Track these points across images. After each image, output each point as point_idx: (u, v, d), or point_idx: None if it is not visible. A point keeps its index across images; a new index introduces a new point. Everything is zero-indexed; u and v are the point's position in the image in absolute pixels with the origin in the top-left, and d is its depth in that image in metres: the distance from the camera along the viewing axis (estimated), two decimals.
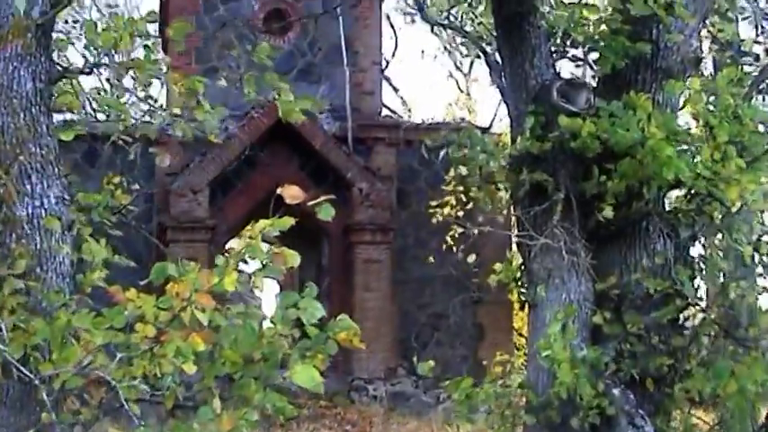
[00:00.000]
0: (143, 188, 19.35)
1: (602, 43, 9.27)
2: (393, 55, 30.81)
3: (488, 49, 10.48)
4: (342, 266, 20.33)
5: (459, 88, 30.20)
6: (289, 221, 5.88)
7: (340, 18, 20.30)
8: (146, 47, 7.45)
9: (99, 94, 8.94)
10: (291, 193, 6.07)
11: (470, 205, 18.38)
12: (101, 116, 9.40)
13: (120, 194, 8.12)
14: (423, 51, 35.63)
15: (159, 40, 23.04)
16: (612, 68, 9.37)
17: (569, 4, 9.39)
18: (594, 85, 9.60)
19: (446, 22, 11.00)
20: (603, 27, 9.49)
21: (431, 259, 19.64)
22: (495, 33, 10.03)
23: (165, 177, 19.46)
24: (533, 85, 9.30)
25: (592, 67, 9.60)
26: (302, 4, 20.52)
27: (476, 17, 10.63)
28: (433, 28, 31.34)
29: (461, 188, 18.14)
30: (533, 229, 9.15)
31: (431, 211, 18.75)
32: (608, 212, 8.86)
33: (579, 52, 9.54)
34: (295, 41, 20.64)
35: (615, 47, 9.25)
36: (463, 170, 15.70)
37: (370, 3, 20.97)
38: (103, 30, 7.31)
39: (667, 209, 9.75)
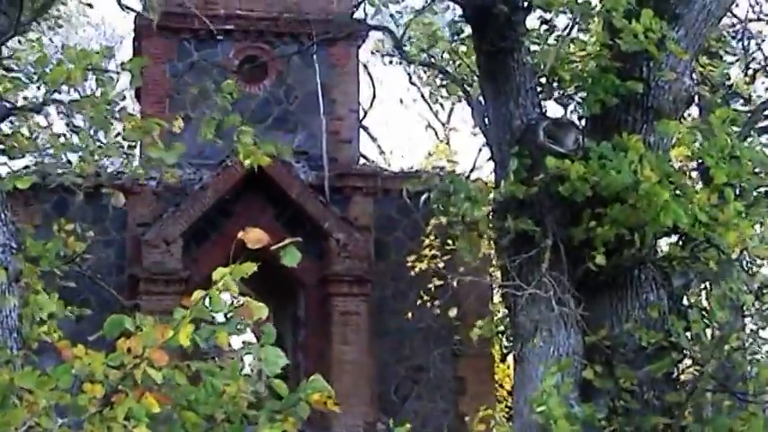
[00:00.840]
0: (115, 239, 18.73)
1: (590, 81, 8.70)
2: (371, 105, 30.29)
3: (470, 90, 9.86)
4: (319, 319, 19.62)
5: (438, 138, 29.68)
6: (250, 267, 5.24)
7: (316, 65, 19.74)
8: (98, 80, 6.80)
9: (59, 136, 8.27)
10: (254, 237, 5.45)
11: (450, 256, 17.90)
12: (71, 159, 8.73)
13: (74, 242, 7.44)
14: (401, 100, 35.02)
15: (133, 90, 22.51)
16: (601, 107, 8.81)
17: (556, 38, 8.81)
18: (582, 125, 9.04)
19: (425, 60, 10.41)
20: (592, 64, 8.95)
21: (409, 315, 19.05)
22: (476, 72, 9.44)
23: (138, 228, 18.77)
24: (518, 125, 8.71)
25: (580, 107, 9.02)
26: (278, 51, 19.96)
27: (455, 55, 10.03)
28: (411, 77, 30.97)
29: (441, 239, 17.65)
30: (519, 279, 8.53)
31: (410, 264, 18.19)
32: (600, 259, 8.24)
33: (566, 90, 8.94)
34: (270, 89, 20.05)
35: (604, 85, 8.69)
36: (443, 220, 15.08)
37: (346, 49, 20.42)
38: (55, 64, 6.66)
39: (659, 256, 9.18)
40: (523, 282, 8.39)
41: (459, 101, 10.64)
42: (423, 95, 31.00)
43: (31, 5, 7.22)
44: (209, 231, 19.03)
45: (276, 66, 19.94)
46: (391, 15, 9.66)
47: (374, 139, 30.40)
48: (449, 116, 29.74)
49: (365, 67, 29.46)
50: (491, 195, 8.80)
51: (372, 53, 26.21)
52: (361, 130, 25.28)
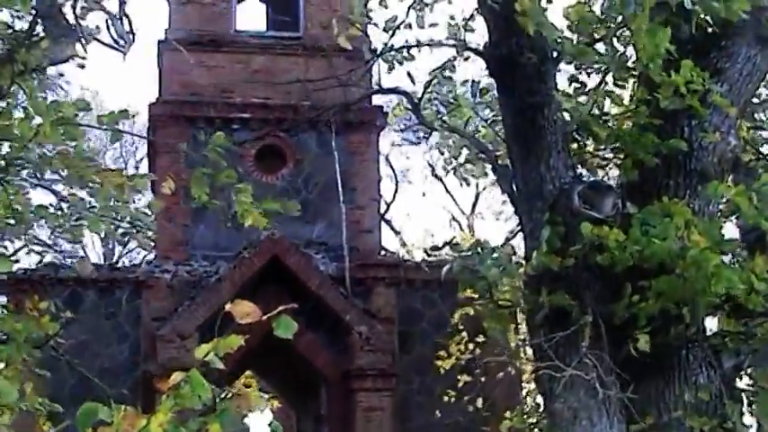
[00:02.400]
0: (129, 334, 17.80)
1: (628, 140, 7.76)
2: (393, 197, 29.55)
3: (497, 156, 8.95)
4: (341, 415, 18.50)
5: (462, 228, 28.77)
6: (235, 341, 4.39)
7: (335, 153, 18.93)
8: (73, 139, 5.91)
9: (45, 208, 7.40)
10: (242, 311, 4.62)
11: (479, 349, 16.92)
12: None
13: (47, 322, 6.49)
14: (423, 194, 34.25)
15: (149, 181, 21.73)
16: (640, 170, 7.87)
17: (588, 91, 7.91)
18: (619, 190, 8.08)
19: (445, 125, 9.54)
20: (628, 123, 8.03)
21: (437, 413, 17.99)
22: (502, 135, 8.54)
23: (152, 322, 17.82)
24: (550, 189, 7.76)
25: (616, 170, 8.08)
26: (296, 140, 19.18)
27: (477, 116, 9.16)
28: (434, 169, 30.17)
29: (468, 330, 16.69)
30: (556, 360, 7.50)
31: (438, 363, 17.26)
32: (644, 343, 7.21)
33: (601, 151, 8.00)
34: (288, 178, 19.21)
35: (644, 144, 7.75)
36: (468, 292, 13.92)
37: (366, 137, 19.62)
38: (20, 119, 5.77)
39: (709, 333, 8.16)
40: (560, 363, 7.36)
41: (485, 174, 9.73)
42: (445, 187, 30.21)
43: (12, 71, 6.46)
44: (225, 325, 18.04)
45: (293, 155, 19.16)
46: (409, 74, 8.85)
47: (396, 232, 29.51)
48: (474, 204, 28.82)
49: (387, 158, 28.87)
50: (521, 269, 7.81)
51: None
52: (383, 222, 24.46)
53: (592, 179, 7.83)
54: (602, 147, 8.05)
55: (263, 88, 18.81)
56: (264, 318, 4.62)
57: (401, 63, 8.59)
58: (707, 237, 7.23)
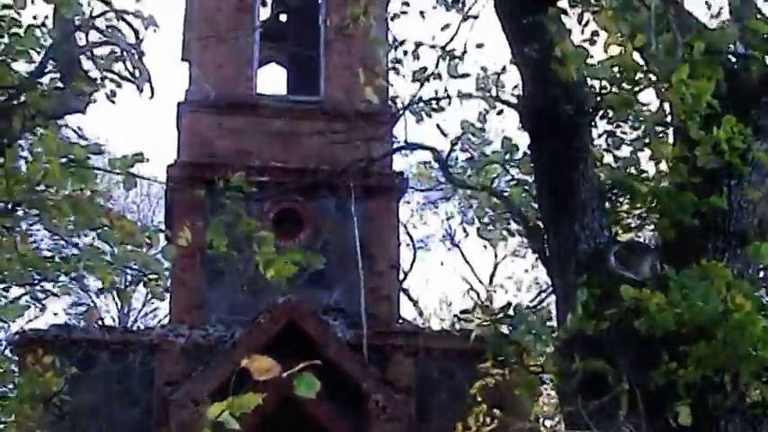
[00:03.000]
0: (141, 398, 17.33)
1: (666, 199, 7.38)
2: (411, 266, 29.13)
3: (527, 215, 8.55)
4: None
5: (480, 299, 28.28)
6: (253, 399, 4.02)
7: (354, 218, 18.55)
8: (77, 175, 5.56)
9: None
10: (260, 366, 4.24)
11: (496, 422, 16.40)
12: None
13: (51, 378, 6.10)
14: (442, 263, 33.79)
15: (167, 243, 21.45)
16: (676, 231, 7.47)
17: (627, 145, 7.53)
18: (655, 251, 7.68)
19: (472, 183, 9.16)
20: (666, 182, 7.66)
21: None
22: (532, 192, 8.16)
23: (165, 387, 17.34)
24: (585, 250, 7.36)
25: (653, 231, 7.68)
26: (315, 205, 18.82)
27: (507, 173, 8.77)
28: (453, 238, 29.77)
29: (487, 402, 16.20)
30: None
31: None
32: (685, 416, 6.76)
33: (637, 211, 7.61)
34: (306, 244, 18.80)
35: (682, 203, 7.36)
36: (490, 381, 13.45)
37: (385, 202, 19.25)
38: (30, 161, 5.45)
39: (750, 402, 7.70)
40: None
41: (510, 235, 9.31)
42: (463, 255, 29.77)
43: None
44: (239, 391, 17.56)
45: (312, 219, 18.80)
46: (438, 126, 8.50)
47: (414, 301, 29.08)
48: (492, 273, 28.35)
49: (405, 227, 28.50)
50: (554, 333, 7.39)
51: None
52: (401, 292, 24.03)
53: (628, 239, 7.42)
54: (639, 206, 7.65)
55: (282, 152, 18.53)
56: (285, 375, 4.26)
57: (430, 116, 8.24)
58: (751, 300, 6.82)
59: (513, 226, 9.56)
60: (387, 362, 18.70)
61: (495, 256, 28.65)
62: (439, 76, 8.17)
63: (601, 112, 7.18)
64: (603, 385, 7.06)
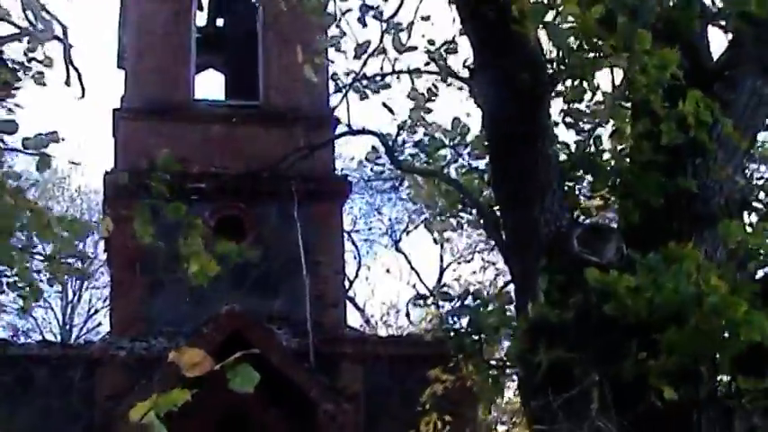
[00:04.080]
0: (82, 414, 16.50)
1: (630, 179, 6.81)
2: (356, 274, 28.51)
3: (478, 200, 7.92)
4: None
5: (429, 305, 27.64)
6: (180, 395, 3.46)
7: (298, 225, 17.86)
8: None
9: None
10: (189, 360, 3.68)
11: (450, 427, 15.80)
12: None
13: None
14: (388, 270, 33.05)
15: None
16: (641, 212, 6.91)
17: (584, 123, 6.94)
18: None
19: (422, 168, 8.53)
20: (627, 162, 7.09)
21: None
22: (487, 178, 7.56)
23: (107, 401, 16.51)
24: (545, 234, 6.75)
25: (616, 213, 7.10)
26: (256, 211, 18.12)
27: (458, 157, 8.14)
28: (398, 245, 29.19)
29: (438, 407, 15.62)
30: (557, 427, 6.45)
31: None
32: (669, 393, 6.17)
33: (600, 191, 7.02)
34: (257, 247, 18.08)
35: (647, 184, 6.80)
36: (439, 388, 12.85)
37: (330, 207, 18.61)
38: None
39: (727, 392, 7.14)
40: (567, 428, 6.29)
41: (462, 227, 8.68)
42: (409, 262, 29.18)
43: None
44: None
45: (254, 226, 18.09)
46: (384, 105, 7.85)
47: (360, 309, 28.44)
48: (439, 278, 27.75)
49: (349, 234, 27.84)
50: (514, 323, 6.78)
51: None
52: (347, 300, 23.37)
53: (591, 222, 6.84)
54: (600, 186, 7.07)
55: (221, 158, 17.82)
56: (218, 367, 3.69)
57: (377, 92, 7.62)
58: (726, 281, 6.26)
59: (465, 217, 8.96)
60: (335, 370, 18.05)
61: (442, 261, 28.06)
62: (384, 51, 7.57)
63: (560, 84, 6.57)
64: (570, 377, 6.46)
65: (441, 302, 7.31)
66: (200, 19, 19.63)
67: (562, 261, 6.61)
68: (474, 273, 26.79)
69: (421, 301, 9.68)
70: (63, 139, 6.66)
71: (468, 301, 6.92)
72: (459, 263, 27.59)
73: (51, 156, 6.84)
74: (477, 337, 6.76)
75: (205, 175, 17.76)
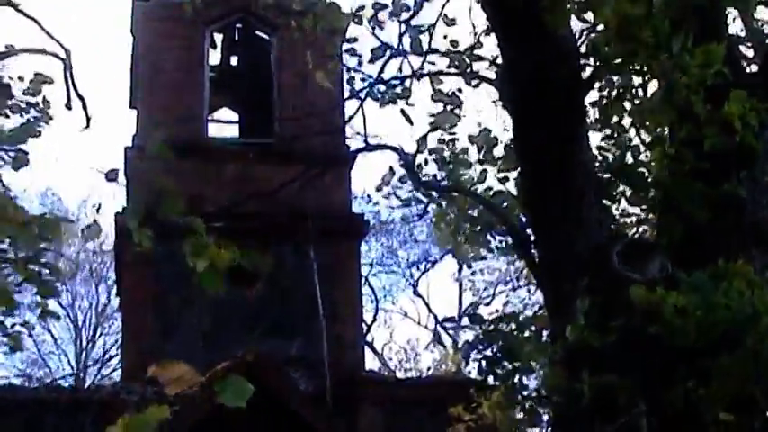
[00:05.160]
0: None
1: (672, 189, 6.14)
2: (374, 318, 27.83)
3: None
4: None
5: (447, 348, 26.90)
6: (160, 413, 2.92)
7: (314, 264, 17.21)
8: None
9: None
10: (170, 375, 3.11)
11: None
12: None
13: None
14: (405, 314, 32.30)
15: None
16: (685, 225, 6.24)
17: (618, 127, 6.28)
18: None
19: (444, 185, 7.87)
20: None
21: None
22: (516, 193, 6.90)
23: None
24: (582, 250, 6.08)
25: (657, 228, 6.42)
26: (272, 250, 17.45)
27: (484, 176, 7.47)
28: (416, 288, 28.47)
29: None
30: None
31: None
32: (726, 416, 5.48)
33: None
34: (264, 292, 17.44)
35: (690, 194, 6.14)
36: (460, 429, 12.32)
37: (346, 246, 17.94)
38: None
39: None
40: None
41: (491, 251, 8.00)
42: (428, 305, 28.44)
43: None
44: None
45: (269, 266, 17.44)
46: (403, 112, 7.21)
47: (377, 353, 27.68)
48: (459, 315, 26.85)
49: (366, 279, 27.15)
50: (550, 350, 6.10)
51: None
52: (365, 343, 22.70)
53: (631, 237, 6.17)
54: (641, 198, 6.40)
55: (236, 196, 17.22)
56: (205, 379, 3.07)
57: (394, 102, 7.00)
58: None
59: (492, 243, 8.30)
60: (353, 413, 17.33)
61: (461, 302, 27.30)
62: (404, 54, 6.95)
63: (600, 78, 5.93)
64: (615, 407, 5.77)
65: (470, 326, 6.60)
66: (214, 58, 19.14)
67: (602, 280, 5.93)
68: (497, 311, 26.00)
69: (448, 324, 8.96)
70: (39, 134, 6.13)
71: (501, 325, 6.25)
72: (479, 304, 26.82)
73: (27, 152, 6.32)
74: (510, 365, 6.07)
75: (220, 215, 17.16)
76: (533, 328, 6.26)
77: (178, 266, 16.03)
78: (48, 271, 6.51)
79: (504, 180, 8.13)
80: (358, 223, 18.46)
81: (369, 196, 24.88)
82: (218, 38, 19.41)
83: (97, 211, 6.11)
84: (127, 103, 19.51)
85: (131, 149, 17.28)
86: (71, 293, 29.35)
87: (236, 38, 19.61)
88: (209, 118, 18.68)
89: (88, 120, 10.54)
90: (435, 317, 28.85)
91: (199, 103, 17.90)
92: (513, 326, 6.22)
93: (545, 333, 6.34)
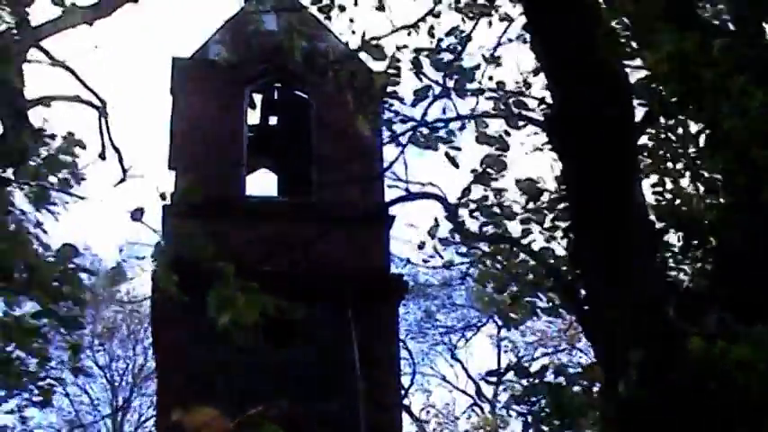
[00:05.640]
0: None
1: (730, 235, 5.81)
2: (411, 382, 27.33)
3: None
4: None
5: (484, 412, 26.34)
6: None
7: (352, 325, 16.89)
8: None
9: None
10: (198, 419, 2.94)
11: None
12: None
13: None
14: (444, 378, 31.72)
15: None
16: (745, 276, 5.88)
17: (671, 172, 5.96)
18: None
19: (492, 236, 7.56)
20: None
21: None
22: (564, 243, 6.60)
23: None
24: (636, 303, 5.74)
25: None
26: (309, 311, 17.13)
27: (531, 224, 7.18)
28: (454, 352, 28.00)
29: None
30: None
31: None
32: None
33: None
34: (301, 352, 17.10)
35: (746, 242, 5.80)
36: None
37: (386, 307, 17.58)
38: None
39: None
40: None
41: (537, 315, 7.65)
42: (466, 371, 27.95)
43: None
44: None
45: (308, 326, 17.12)
46: (447, 155, 6.94)
47: (416, 418, 27.14)
48: (495, 389, 26.25)
49: (404, 342, 26.72)
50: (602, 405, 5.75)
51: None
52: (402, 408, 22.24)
53: (686, 287, 5.84)
54: (695, 246, 6.07)
55: (274, 256, 16.98)
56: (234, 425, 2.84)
57: (435, 148, 6.65)
58: None
59: (537, 302, 7.96)
60: None
61: (499, 364, 26.73)
62: (448, 95, 6.68)
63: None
64: None
65: (517, 379, 6.25)
66: (254, 117, 19.07)
67: (657, 333, 5.59)
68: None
69: (492, 378, 8.55)
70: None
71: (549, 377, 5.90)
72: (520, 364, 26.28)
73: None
74: (559, 421, 5.72)
75: (257, 274, 16.89)
76: (584, 382, 5.90)
77: (214, 327, 15.77)
78: (71, 303, 6.33)
79: (550, 238, 7.84)
80: (397, 285, 18.14)
81: (408, 260, 24.58)
82: (258, 98, 19.35)
83: (120, 251, 5.92)
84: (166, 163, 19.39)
85: (170, 207, 17.13)
86: (108, 354, 29.16)
87: (276, 97, 19.54)
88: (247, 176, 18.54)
89: (124, 172, 10.36)
90: (473, 380, 28.37)
91: (237, 163, 17.77)
92: (563, 379, 5.87)
93: (596, 388, 5.98)
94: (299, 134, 18.73)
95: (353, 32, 9.30)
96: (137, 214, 6.16)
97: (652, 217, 6.13)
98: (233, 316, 5.63)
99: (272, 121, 19.75)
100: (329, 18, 11.08)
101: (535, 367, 6.85)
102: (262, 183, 20.70)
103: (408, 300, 25.09)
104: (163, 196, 6.97)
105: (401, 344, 25.08)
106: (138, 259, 7.41)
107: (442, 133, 6.92)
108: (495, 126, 7.01)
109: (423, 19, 7.60)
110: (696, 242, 6.21)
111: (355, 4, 9.67)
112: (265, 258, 16.88)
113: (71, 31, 7.94)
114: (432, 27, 8.04)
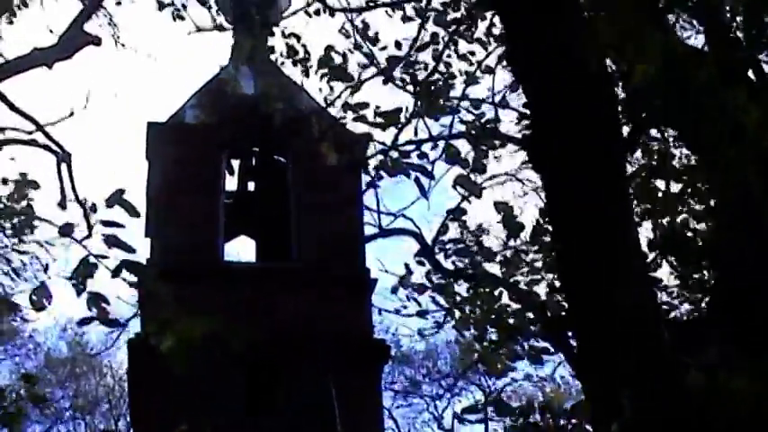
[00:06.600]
0: None
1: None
2: None
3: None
4: None
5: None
6: None
7: (332, 390, 16.24)
8: None
9: None
10: None
11: None
12: None
13: None
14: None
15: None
16: (747, 305, 5.38)
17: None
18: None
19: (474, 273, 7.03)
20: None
21: None
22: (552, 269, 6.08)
23: None
24: (626, 333, 5.19)
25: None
26: (289, 377, 16.52)
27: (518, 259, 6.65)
28: (440, 423, 27.24)
29: None
30: None
31: None
32: None
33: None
34: (281, 418, 16.43)
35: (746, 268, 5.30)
36: None
37: (368, 372, 16.93)
38: None
39: None
40: None
41: (521, 358, 7.10)
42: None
43: None
44: None
45: (287, 391, 16.52)
46: (417, 181, 6.48)
47: None
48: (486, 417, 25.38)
49: (389, 411, 26.02)
50: None
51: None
52: None
53: (685, 317, 5.32)
54: (689, 269, 5.55)
55: (252, 321, 16.39)
56: None
57: (407, 174, 6.14)
58: None
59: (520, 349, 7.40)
60: None
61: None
62: (419, 115, 6.20)
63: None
64: None
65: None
66: (231, 183, 18.61)
67: (652, 367, 5.05)
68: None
69: (472, 417, 7.96)
70: None
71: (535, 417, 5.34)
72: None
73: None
74: None
75: (236, 340, 16.28)
76: (573, 420, 5.34)
77: (191, 393, 15.13)
78: None
79: (532, 281, 7.34)
80: (379, 350, 17.56)
81: (388, 328, 23.98)
82: (236, 163, 18.93)
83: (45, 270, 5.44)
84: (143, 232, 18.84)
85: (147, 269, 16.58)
86: (90, 429, 28.39)
87: (254, 163, 19.13)
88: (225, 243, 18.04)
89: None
90: (455, 414, 27.59)
91: (215, 229, 17.27)
92: (549, 417, 5.31)
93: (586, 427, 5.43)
94: (277, 199, 18.28)
95: (331, 88, 8.81)
96: (66, 228, 5.70)
97: (644, 242, 5.63)
98: (173, 340, 5.04)
99: (251, 186, 19.33)
100: (307, 74, 10.63)
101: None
102: (242, 249, 20.23)
103: (393, 367, 24.51)
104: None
105: (386, 412, 24.41)
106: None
107: (413, 158, 6.43)
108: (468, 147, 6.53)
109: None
110: (692, 269, 5.69)
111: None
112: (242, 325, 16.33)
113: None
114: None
